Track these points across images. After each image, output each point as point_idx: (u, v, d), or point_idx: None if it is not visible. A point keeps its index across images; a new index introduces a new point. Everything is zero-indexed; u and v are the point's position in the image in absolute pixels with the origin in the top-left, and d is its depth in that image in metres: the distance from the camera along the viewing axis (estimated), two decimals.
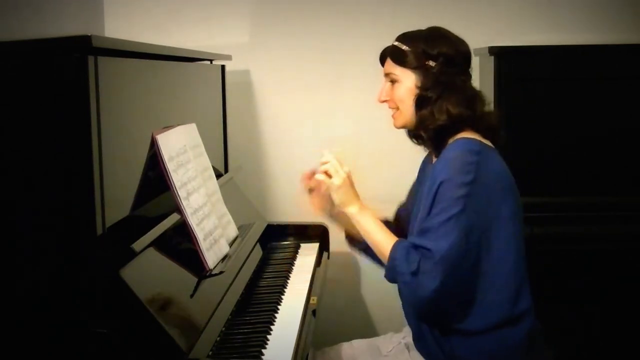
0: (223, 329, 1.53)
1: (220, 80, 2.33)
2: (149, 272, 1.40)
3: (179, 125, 1.71)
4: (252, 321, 1.62)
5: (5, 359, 1.30)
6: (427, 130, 1.69)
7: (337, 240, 2.44)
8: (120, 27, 2.62)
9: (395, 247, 1.64)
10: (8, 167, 1.30)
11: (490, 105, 1.75)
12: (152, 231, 1.48)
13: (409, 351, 1.80)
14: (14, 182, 1.31)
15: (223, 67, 2.34)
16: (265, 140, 2.72)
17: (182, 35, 2.61)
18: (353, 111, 2.68)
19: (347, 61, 2.65)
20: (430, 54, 1.69)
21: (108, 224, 1.33)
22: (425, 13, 2.62)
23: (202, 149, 1.83)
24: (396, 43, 1.75)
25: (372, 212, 1.76)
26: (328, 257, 2.29)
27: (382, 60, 1.81)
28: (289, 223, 2.40)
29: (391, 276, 1.64)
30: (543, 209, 2.31)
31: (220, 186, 1.89)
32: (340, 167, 1.80)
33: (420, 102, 1.70)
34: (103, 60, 1.31)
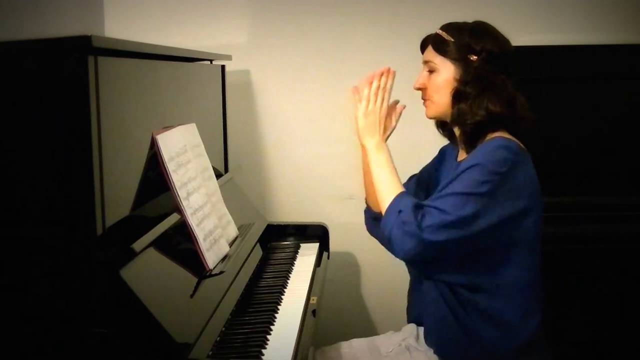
0: (223, 329, 1.53)
1: (220, 80, 2.33)
2: (149, 272, 1.40)
3: (179, 125, 1.71)
4: (252, 321, 1.62)
5: (6, 359, 1.30)
6: (464, 125, 1.67)
7: (337, 240, 2.46)
8: (120, 27, 2.62)
9: (402, 195, 1.60)
10: (8, 167, 1.30)
11: (528, 111, 1.72)
12: (152, 231, 1.48)
13: (409, 352, 1.80)
14: (14, 182, 1.30)
15: (223, 67, 2.34)
16: (265, 140, 2.72)
17: (182, 35, 2.61)
18: (353, 111, 2.68)
19: (347, 61, 2.65)
20: (473, 48, 1.67)
21: (108, 224, 1.33)
22: (426, 13, 2.62)
23: (202, 149, 1.83)
24: (440, 32, 1.73)
25: (389, 154, 1.71)
26: (328, 257, 2.29)
27: (423, 47, 1.78)
28: (289, 223, 2.40)
29: (389, 222, 1.57)
30: (543, 209, 2.31)
31: (220, 186, 1.89)
32: (383, 94, 1.75)
33: (459, 95, 1.67)
34: (103, 60, 1.31)
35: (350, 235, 2.65)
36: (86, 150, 1.26)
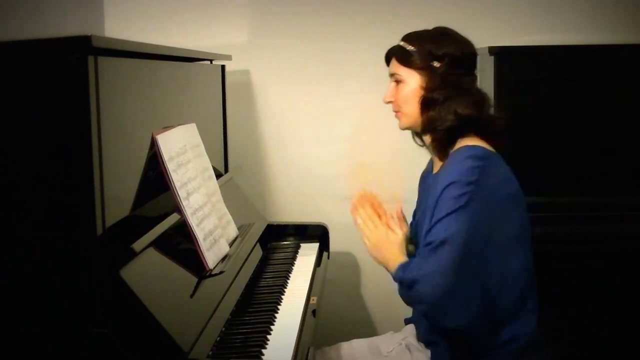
0: (223, 329, 1.53)
1: (220, 80, 2.33)
2: (149, 272, 1.40)
3: (179, 125, 1.71)
4: (252, 321, 1.62)
5: (6, 359, 1.30)
6: (435, 132, 1.68)
7: (337, 240, 2.46)
8: (120, 27, 2.62)
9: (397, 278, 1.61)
10: (8, 167, 1.30)
11: (492, 109, 1.74)
12: (152, 231, 1.48)
13: (410, 352, 1.80)
14: (14, 182, 1.31)
15: (223, 67, 2.34)
16: (265, 140, 2.73)
17: (182, 35, 2.61)
18: (353, 111, 2.69)
19: (348, 61, 2.65)
20: (436, 54, 1.67)
21: (108, 224, 1.33)
22: (426, 13, 2.62)
23: (202, 149, 1.83)
24: (402, 43, 1.74)
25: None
26: (328, 257, 2.29)
27: (388, 60, 1.79)
28: (289, 223, 2.40)
29: (407, 293, 1.58)
30: (543, 209, 2.31)
31: (220, 186, 1.89)
32: (373, 223, 1.76)
33: (427, 103, 1.68)
34: (103, 60, 1.31)
35: (350, 235, 2.63)
36: (86, 150, 1.26)
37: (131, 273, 1.32)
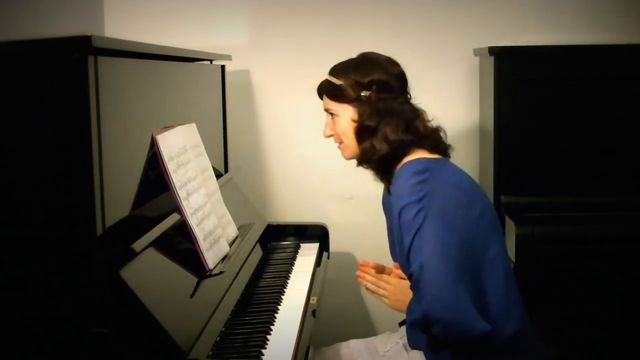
0: (223, 329, 1.53)
1: (220, 80, 2.33)
2: (149, 272, 1.40)
3: (179, 125, 1.71)
4: (252, 321, 1.62)
5: (6, 359, 1.30)
6: (371, 161, 1.70)
7: (337, 240, 2.46)
8: (120, 27, 2.62)
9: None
10: (8, 167, 1.30)
11: (432, 122, 1.73)
12: (152, 231, 1.48)
13: (407, 352, 1.80)
14: (14, 182, 1.31)
15: (223, 67, 2.34)
16: (265, 140, 2.72)
17: (182, 35, 2.61)
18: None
19: None
20: (362, 83, 1.69)
21: (108, 224, 1.33)
22: (425, 13, 2.62)
23: (202, 149, 1.83)
24: (329, 77, 1.77)
25: None
26: (328, 257, 2.29)
27: (320, 96, 1.82)
28: (289, 223, 2.40)
29: (428, 330, 1.56)
30: (543, 209, 2.31)
31: (220, 186, 1.89)
32: (383, 280, 1.74)
33: (360, 134, 1.70)
34: (103, 60, 1.31)
35: (350, 235, 2.65)
36: (86, 150, 1.26)
37: (131, 273, 1.32)
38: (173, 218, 1.59)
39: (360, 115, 1.70)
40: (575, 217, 2.33)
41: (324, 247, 2.32)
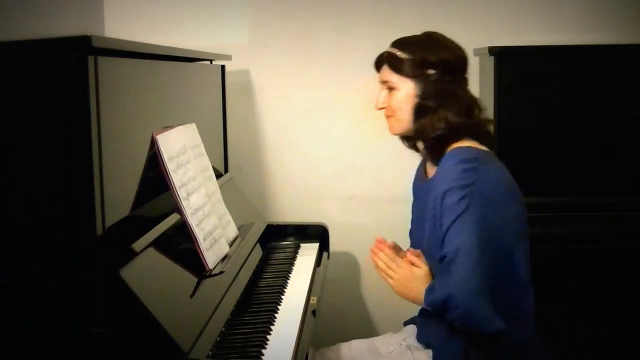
0: (223, 329, 1.53)
1: (220, 80, 2.33)
2: (149, 272, 1.40)
3: (179, 125, 1.71)
4: (252, 321, 1.62)
5: (6, 359, 1.30)
6: (427, 139, 1.68)
7: (337, 240, 2.46)
8: (120, 27, 2.62)
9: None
10: (8, 167, 1.30)
11: (486, 112, 1.74)
12: (152, 231, 1.48)
13: (411, 352, 1.79)
14: (14, 182, 1.31)
15: (223, 67, 2.34)
16: (265, 140, 2.72)
17: (182, 35, 2.61)
18: (353, 111, 2.68)
19: (347, 61, 2.65)
20: (429, 61, 1.67)
21: (108, 224, 1.33)
22: (425, 13, 2.62)
23: (202, 149, 1.83)
24: (393, 50, 1.73)
25: None
26: (328, 257, 2.29)
27: (378, 66, 1.78)
28: (289, 223, 2.40)
29: (444, 314, 1.55)
30: (543, 209, 2.31)
31: (220, 186, 1.89)
32: (395, 263, 1.72)
33: (420, 111, 1.68)
34: (103, 60, 1.31)
35: (350, 235, 2.65)
36: (86, 150, 1.26)
37: (131, 273, 1.32)
38: (173, 218, 1.59)
39: (422, 92, 1.67)
40: (575, 217, 2.33)
41: (324, 247, 2.32)
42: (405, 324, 1.91)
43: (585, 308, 2.33)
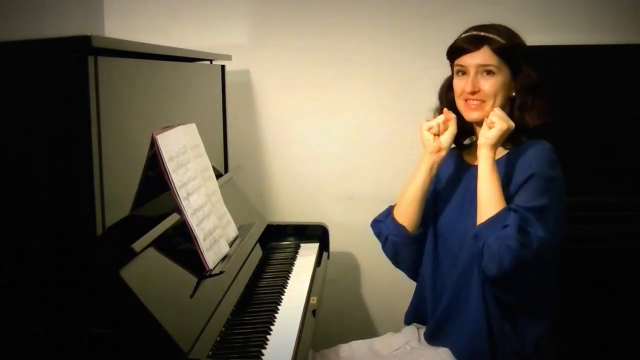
0: (223, 329, 1.53)
1: (220, 80, 2.33)
2: (149, 272, 1.40)
3: (179, 125, 1.71)
4: (252, 321, 1.62)
5: (6, 359, 1.30)
6: (524, 131, 1.71)
7: (337, 240, 2.46)
8: (120, 27, 2.62)
9: (508, 210, 1.58)
10: (8, 167, 1.30)
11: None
12: (152, 231, 1.48)
13: (416, 352, 1.79)
14: (13, 182, 1.30)
15: (223, 67, 2.34)
16: (265, 140, 2.73)
17: (182, 35, 2.61)
18: (353, 111, 2.69)
19: (347, 61, 2.65)
20: (525, 51, 1.71)
21: (108, 224, 1.33)
22: (426, 13, 2.62)
23: (202, 149, 1.83)
24: (493, 35, 1.70)
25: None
26: (328, 257, 2.29)
27: (474, 46, 1.71)
28: (289, 223, 2.40)
29: (490, 232, 1.55)
30: None
31: (220, 186, 1.89)
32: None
33: (524, 103, 1.70)
34: (103, 60, 1.31)
35: (350, 235, 2.65)
36: (86, 150, 1.26)
37: (131, 273, 1.32)
38: (173, 218, 1.59)
39: (522, 83, 1.69)
40: (575, 217, 2.33)
41: (324, 247, 2.32)
42: (407, 321, 1.90)
43: (585, 308, 2.33)
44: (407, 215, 1.79)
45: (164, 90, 1.75)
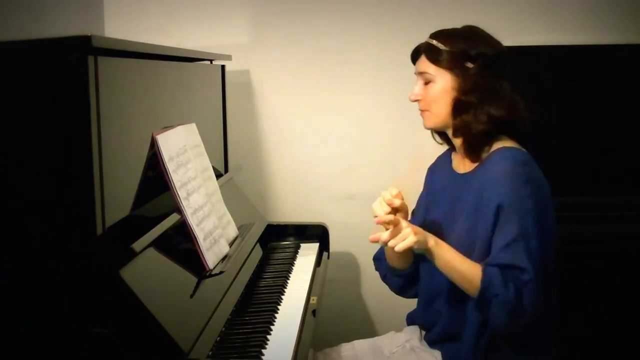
0: (223, 329, 1.53)
1: (220, 80, 2.33)
2: (149, 272, 1.40)
3: (179, 125, 1.71)
4: (252, 321, 1.62)
5: (6, 359, 1.30)
6: (469, 135, 1.65)
7: (337, 240, 2.46)
8: (120, 27, 2.62)
9: (487, 272, 1.52)
10: (8, 167, 1.30)
11: (527, 111, 1.71)
12: (152, 231, 1.48)
13: (415, 353, 1.79)
14: (14, 182, 1.31)
15: (223, 67, 2.34)
16: (265, 140, 2.72)
17: (182, 35, 2.61)
18: (353, 111, 2.69)
19: (347, 61, 2.65)
20: (469, 54, 1.64)
21: (108, 224, 1.33)
22: (426, 13, 2.62)
23: (202, 149, 1.83)
24: (432, 41, 1.69)
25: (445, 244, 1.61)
26: (328, 257, 2.29)
27: (415, 57, 1.74)
28: (289, 223, 2.40)
29: (485, 300, 1.53)
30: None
31: (220, 186, 1.89)
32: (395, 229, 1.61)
33: (460, 106, 1.65)
34: (103, 60, 1.31)
35: (350, 235, 2.65)
36: (86, 150, 1.26)
37: (131, 273, 1.32)
38: (173, 218, 1.59)
39: (461, 86, 1.64)
40: (575, 217, 2.33)
41: (324, 247, 2.32)
42: (408, 320, 1.90)
43: (585, 308, 2.33)
44: (394, 262, 1.84)
45: (164, 90, 1.75)
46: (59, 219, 1.29)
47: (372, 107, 2.66)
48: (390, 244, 1.54)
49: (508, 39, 2.53)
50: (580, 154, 2.38)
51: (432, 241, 1.57)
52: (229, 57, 2.37)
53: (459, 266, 1.56)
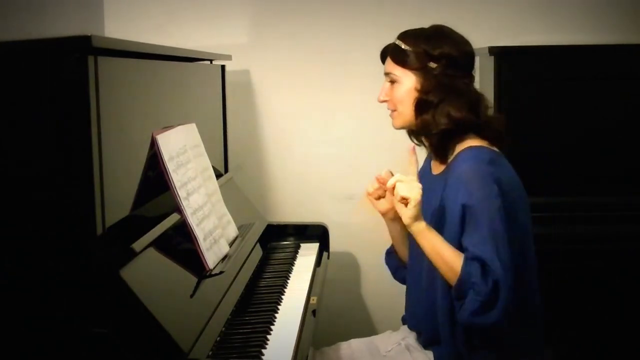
0: (223, 329, 1.53)
1: (220, 80, 2.33)
2: (149, 272, 1.40)
3: (179, 125, 1.71)
4: (252, 321, 1.62)
5: (6, 359, 1.30)
6: (430, 135, 1.66)
7: (337, 240, 2.46)
8: (120, 27, 2.62)
9: (467, 263, 1.52)
10: (8, 167, 1.30)
11: (491, 110, 1.71)
12: (152, 231, 1.48)
13: (409, 352, 1.79)
14: (14, 182, 1.31)
15: (223, 67, 2.34)
16: (265, 140, 2.73)
17: (182, 35, 2.61)
18: (353, 111, 2.69)
19: (347, 61, 2.65)
20: (432, 54, 1.64)
21: (108, 224, 1.33)
22: (426, 13, 2.62)
23: (202, 149, 1.83)
24: (397, 42, 1.71)
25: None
26: (328, 257, 2.29)
27: (383, 58, 1.77)
28: (289, 223, 2.40)
29: (462, 289, 1.52)
30: (543, 209, 2.31)
31: (220, 186, 1.89)
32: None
33: (421, 105, 1.65)
34: (103, 60, 1.31)
35: (350, 235, 2.65)
36: (86, 150, 1.26)
37: (131, 273, 1.32)
38: (173, 218, 1.59)
39: (423, 86, 1.65)
40: (575, 217, 2.33)
41: (324, 247, 2.32)
42: (404, 320, 1.91)
43: (585, 308, 2.33)
44: (399, 252, 1.89)
45: (164, 90, 1.75)
46: (59, 219, 1.29)
47: (372, 107, 2.63)
48: (398, 184, 1.57)
49: (508, 39, 2.57)
50: (580, 154, 2.37)
51: (424, 224, 1.57)
52: (229, 57, 2.37)
53: (446, 252, 1.56)
